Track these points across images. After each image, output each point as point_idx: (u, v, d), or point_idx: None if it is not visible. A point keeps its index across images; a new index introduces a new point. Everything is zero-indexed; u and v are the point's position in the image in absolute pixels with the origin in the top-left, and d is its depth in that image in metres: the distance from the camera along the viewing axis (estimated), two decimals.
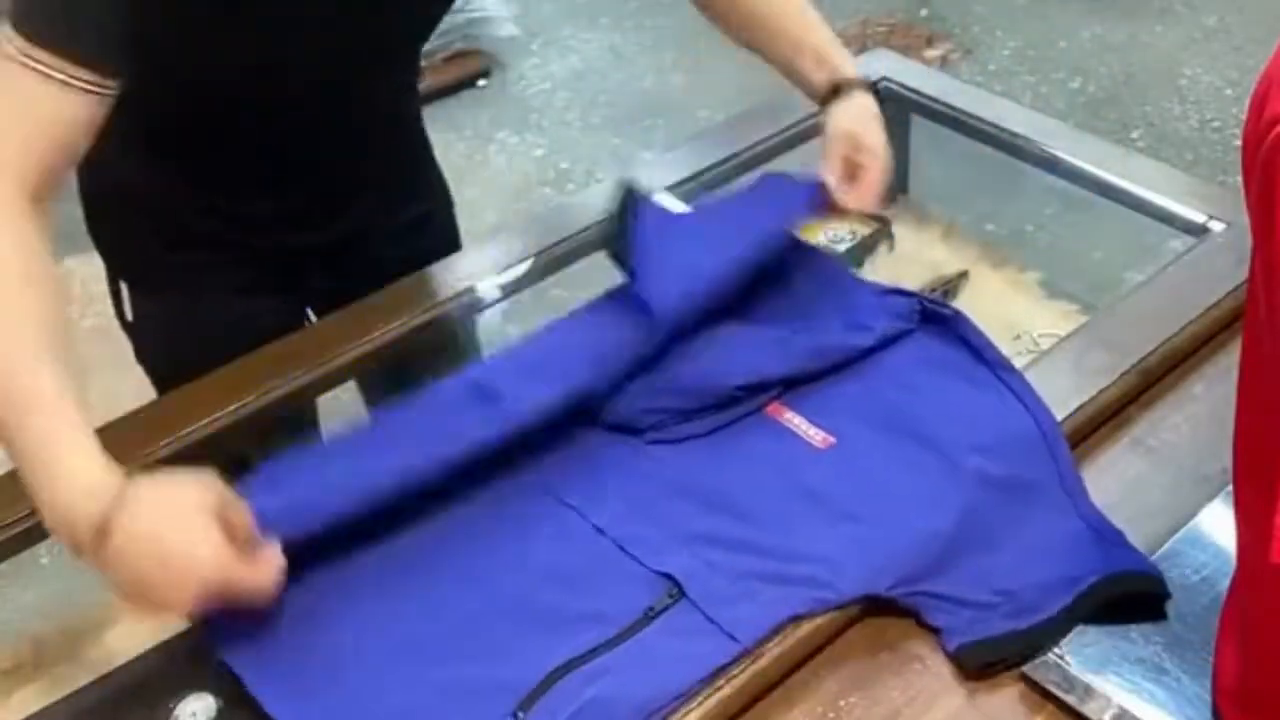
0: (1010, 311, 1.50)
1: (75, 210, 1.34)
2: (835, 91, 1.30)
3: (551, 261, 1.45)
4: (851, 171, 1.28)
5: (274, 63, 1.16)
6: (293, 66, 1.17)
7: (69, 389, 0.94)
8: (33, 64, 0.99)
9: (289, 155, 1.29)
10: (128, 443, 1.15)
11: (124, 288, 1.40)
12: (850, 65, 1.33)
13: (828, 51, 1.32)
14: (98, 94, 1.02)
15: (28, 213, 0.99)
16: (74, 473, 0.92)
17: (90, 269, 1.44)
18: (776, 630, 0.98)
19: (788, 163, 1.63)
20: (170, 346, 1.41)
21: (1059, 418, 1.17)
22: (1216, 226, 1.39)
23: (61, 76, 0.99)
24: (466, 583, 1.01)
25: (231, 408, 1.25)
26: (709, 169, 1.56)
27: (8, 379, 0.94)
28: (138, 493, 0.93)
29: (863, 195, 1.27)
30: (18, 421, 0.93)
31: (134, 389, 1.38)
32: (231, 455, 1.18)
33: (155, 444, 1.21)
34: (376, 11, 1.18)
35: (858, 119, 1.29)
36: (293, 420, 1.31)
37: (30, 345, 0.95)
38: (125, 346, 1.43)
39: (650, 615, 0.98)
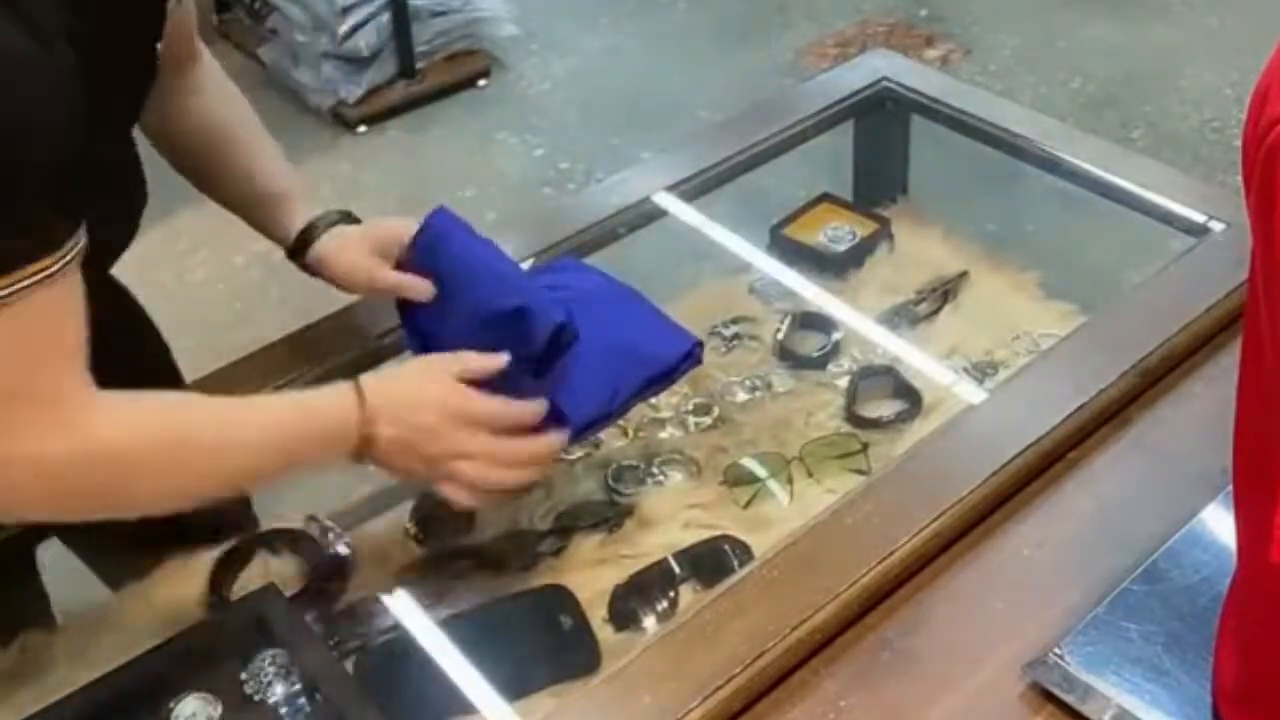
0: (1010, 311, 1.50)
1: None
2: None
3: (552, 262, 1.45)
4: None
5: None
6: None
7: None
8: (33, 280, 0.88)
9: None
10: None
11: None
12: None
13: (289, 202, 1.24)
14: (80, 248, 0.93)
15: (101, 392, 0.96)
16: (319, 421, 1.05)
17: None
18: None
19: (787, 163, 1.63)
20: None
21: (1059, 418, 1.17)
22: (1216, 226, 1.39)
23: (60, 267, 0.90)
24: None
25: None
26: (709, 169, 1.56)
27: (217, 431, 1.02)
28: (378, 408, 1.05)
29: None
30: (252, 437, 1.03)
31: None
32: None
33: None
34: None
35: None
36: None
37: (203, 403, 1.04)
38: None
39: None
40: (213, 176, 1.26)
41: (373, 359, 1.34)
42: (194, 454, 1.00)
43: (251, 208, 1.25)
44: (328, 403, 1.06)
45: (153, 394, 1.01)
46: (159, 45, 1.05)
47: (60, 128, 0.87)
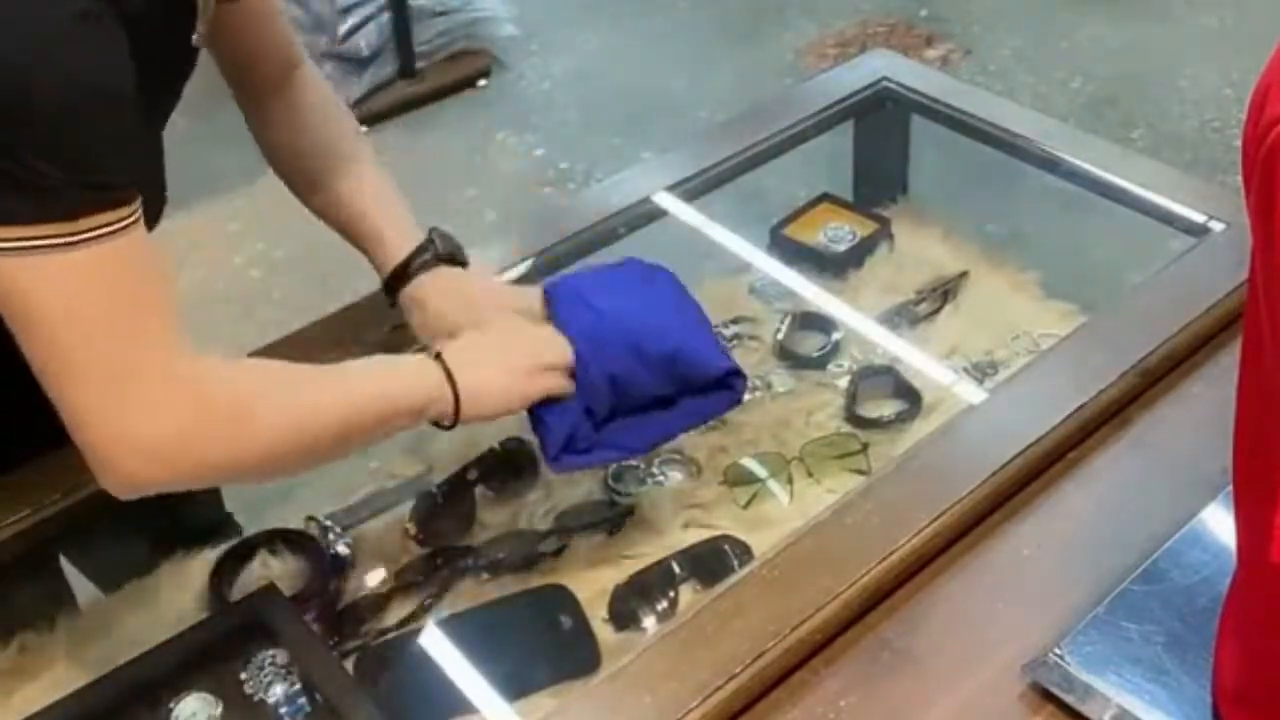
0: (1010, 311, 1.50)
1: None
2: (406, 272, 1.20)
3: (551, 261, 1.45)
4: None
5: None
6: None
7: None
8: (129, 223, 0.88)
9: None
10: None
11: None
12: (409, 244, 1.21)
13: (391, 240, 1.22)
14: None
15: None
16: (406, 373, 1.08)
17: None
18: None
19: (785, 163, 1.63)
20: None
21: (1059, 418, 1.17)
22: (1216, 226, 1.39)
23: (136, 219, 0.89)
24: None
25: None
26: (709, 169, 1.56)
27: (319, 392, 1.01)
28: (456, 351, 1.09)
29: None
30: (347, 400, 1.02)
31: None
32: None
33: None
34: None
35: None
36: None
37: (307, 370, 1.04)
38: None
39: None
40: (309, 201, 1.25)
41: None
42: (306, 391, 1.01)
43: (349, 238, 1.24)
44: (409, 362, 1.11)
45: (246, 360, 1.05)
46: (196, 35, 1.02)
47: (127, 85, 0.87)
